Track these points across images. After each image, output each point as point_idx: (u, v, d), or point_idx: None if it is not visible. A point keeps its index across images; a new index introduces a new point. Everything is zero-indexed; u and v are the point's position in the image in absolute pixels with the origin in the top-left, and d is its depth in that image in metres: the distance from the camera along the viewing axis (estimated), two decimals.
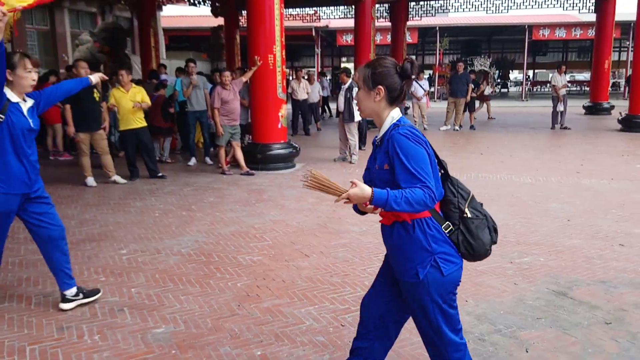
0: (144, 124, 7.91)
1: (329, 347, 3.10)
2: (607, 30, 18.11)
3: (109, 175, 7.72)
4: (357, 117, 9.22)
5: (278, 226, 5.58)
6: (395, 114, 2.17)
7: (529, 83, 35.22)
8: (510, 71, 39.07)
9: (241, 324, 3.39)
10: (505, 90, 36.11)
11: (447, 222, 2.12)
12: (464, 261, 2.23)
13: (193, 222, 5.76)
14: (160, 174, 8.14)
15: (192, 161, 9.46)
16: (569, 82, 36.48)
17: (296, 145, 9.20)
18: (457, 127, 14.24)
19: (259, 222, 5.73)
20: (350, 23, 28.04)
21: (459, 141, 12.20)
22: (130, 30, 21.31)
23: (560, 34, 27.83)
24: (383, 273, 2.38)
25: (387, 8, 19.39)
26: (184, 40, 30.26)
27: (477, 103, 15.61)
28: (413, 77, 2.27)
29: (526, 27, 27.42)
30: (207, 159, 9.57)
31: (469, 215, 2.12)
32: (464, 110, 14.38)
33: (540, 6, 19.64)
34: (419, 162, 2.00)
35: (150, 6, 16.17)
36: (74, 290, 3.66)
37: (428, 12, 19.57)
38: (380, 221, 2.23)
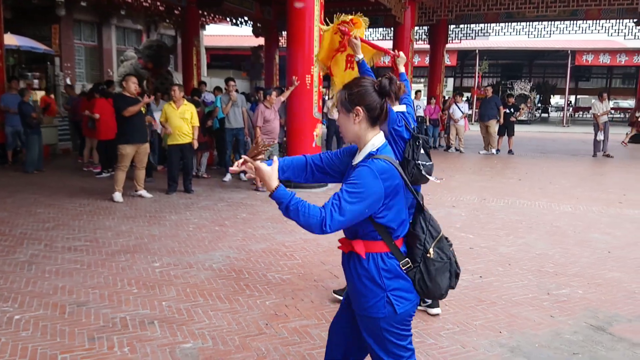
0: (189, 140, 8.07)
1: None
2: None
3: (136, 188, 7.83)
4: None
5: (309, 245, 5.57)
6: (376, 140, 2.06)
7: (571, 109, 34.46)
8: (552, 96, 38.31)
9: (268, 344, 3.37)
10: (546, 115, 35.42)
11: (407, 259, 2.05)
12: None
13: (225, 237, 5.81)
14: (192, 191, 8.27)
15: (227, 177, 9.58)
16: (612, 109, 35.64)
17: None
18: (492, 151, 14.01)
19: (289, 240, 5.73)
20: (387, 45, 28.18)
21: (496, 165, 11.98)
22: (174, 48, 21.95)
23: (605, 59, 27.19)
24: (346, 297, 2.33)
25: (426, 30, 19.36)
26: (224, 58, 30.92)
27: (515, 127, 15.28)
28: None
29: (569, 52, 26.93)
30: (242, 176, 9.67)
31: (432, 256, 2.03)
32: (503, 134, 14.16)
33: (584, 32, 19.24)
34: (356, 192, 1.91)
35: (194, 25, 16.60)
36: None
37: (468, 35, 19.43)
38: (339, 247, 2.19)
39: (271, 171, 2.00)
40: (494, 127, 13.95)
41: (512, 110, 14.16)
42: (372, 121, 2.05)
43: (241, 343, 3.38)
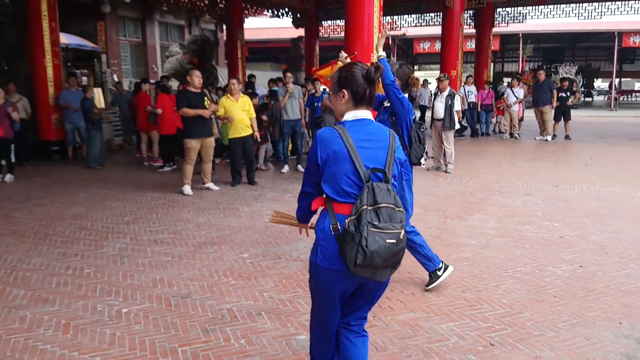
0: (250, 132, 8.08)
1: None
2: None
3: (204, 181, 7.89)
4: (457, 125, 9.03)
5: None
6: (348, 115, 2.31)
7: (615, 92, 33.41)
8: (595, 79, 37.13)
9: (383, 336, 3.31)
10: (590, 99, 34.34)
11: (337, 223, 2.21)
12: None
13: None
14: (255, 182, 8.30)
15: (285, 168, 9.56)
16: None
17: None
18: (548, 138, 13.61)
19: None
20: (427, 31, 27.70)
21: (557, 151, 11.63)
22: (217, 42, 22.10)
23: None
24: None
25: (471, 15, 18.93)
26: (260, 52, 31.00)
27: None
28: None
29: (615, 33, 25.96)
30: (300, 167, 9.64)
31: (347, 226, 2.15)
32: (559, 119, 13.76)
33: (636, 12, 18.53)
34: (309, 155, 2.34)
35: (237, 18, 16.63)
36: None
37: (515, 18, 18.93)
38: None
39: None
40: (549, 112, 13.55)
41: (567, 94, 13.72)
42: (356, 102, 2.31)
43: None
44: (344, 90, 2.30)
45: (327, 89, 9.94)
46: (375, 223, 2.13)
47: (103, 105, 16.38)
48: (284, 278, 4.31)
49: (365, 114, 2.33)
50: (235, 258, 4.79)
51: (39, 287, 4.17)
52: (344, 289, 2.32)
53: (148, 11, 20.15)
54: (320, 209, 2.38)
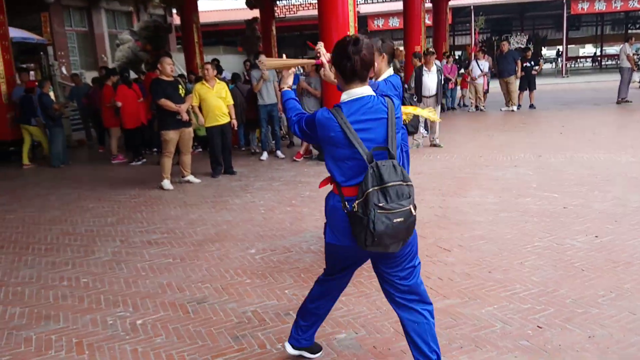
0: (228, 119, 7.73)
1: (542, 352, 2.83)
2: None
3: (184, 174, 7.52)
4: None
5: None
6: (344, 95, 2.36)
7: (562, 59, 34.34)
8: (543, 47, 38.06)
9: None
10: (538, 67, 35.13)
11: (346, 205, 2.25)
12: None
13: (304, 217, 5.54)
14: (234, 171, 7.98)
15: (264, 155, 9.25)
16: (601, 56, 35.78)
17: None
18: (513, 108, 13.77)
19: None
20: (380, 7, 27.60)
21: (527, 121, 11.77)
22: (170, 27, 21.23)
23: (600, 6, 26.86)
24: None
25: None
26: (211, 35, 30.03)
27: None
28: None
29: (564, 1, 26.56)
30: (279, 153, 9.35)
31: (356, 209, 2.19)
32: (525, 89, 13.95)
33: None
34: (308, 124, 2.45)
35: (191, 1, 15.94)
36: None
37: None
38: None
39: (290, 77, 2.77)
40: (514, 82, 13.70)
41: (532, 63, 13.89)
42: (346, 79, 2.31)
43: (395, 329, 3.14)
44: (335, 68, 2.33)
45: (302, 71, 9.67)
46: (381, 205, 2.14)
47: (54, 99, 15.47)
48: (301, 272, 4.09)
49: (360, 91, 2.29)
50: (243, 255, 4.53)
51: (35, 303, 3.80)
52: (359, 260, 2.53)
53: None
54: (327, 187, 2.46)
